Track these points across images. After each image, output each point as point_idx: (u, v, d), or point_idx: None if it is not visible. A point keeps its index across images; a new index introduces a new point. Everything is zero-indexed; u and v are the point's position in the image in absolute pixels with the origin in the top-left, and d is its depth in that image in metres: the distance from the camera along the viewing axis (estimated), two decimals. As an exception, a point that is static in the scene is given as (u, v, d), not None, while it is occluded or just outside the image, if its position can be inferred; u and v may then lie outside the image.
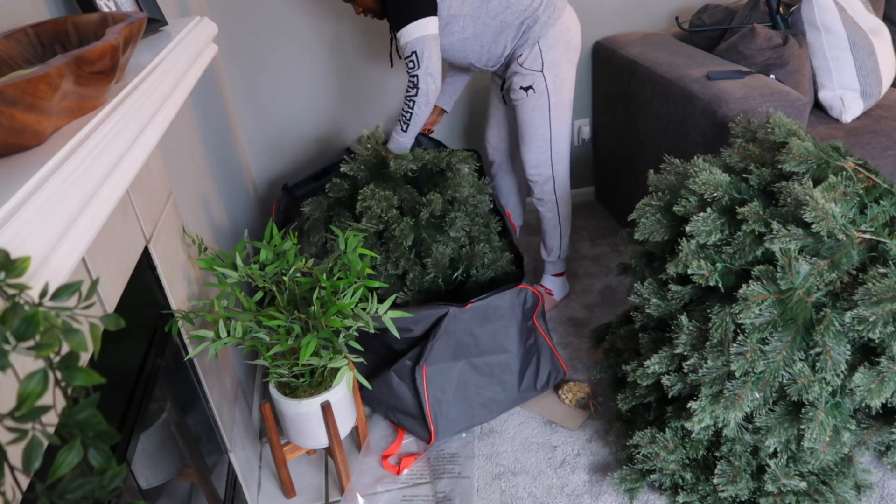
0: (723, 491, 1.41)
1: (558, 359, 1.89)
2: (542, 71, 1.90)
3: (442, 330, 1.65)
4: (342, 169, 1.91)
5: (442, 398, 1.71)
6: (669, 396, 1.47)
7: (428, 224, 1.78)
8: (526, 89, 1.92)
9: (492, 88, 2.17)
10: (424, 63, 1.75)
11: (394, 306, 1.63)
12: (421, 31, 1.72)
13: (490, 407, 1.77)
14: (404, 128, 1.86)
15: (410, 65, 1.76)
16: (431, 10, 1.73)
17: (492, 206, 1.95)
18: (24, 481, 0.57)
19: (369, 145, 1.92)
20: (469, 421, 1.76)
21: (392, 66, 2.11)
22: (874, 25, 2.21)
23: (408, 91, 1.80)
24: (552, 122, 1.96)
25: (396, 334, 1.54)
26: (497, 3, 1.82)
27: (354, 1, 1.83)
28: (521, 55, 1.89)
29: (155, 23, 1.21)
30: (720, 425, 1.39)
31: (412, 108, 1.81)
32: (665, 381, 1.44)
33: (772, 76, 2.01)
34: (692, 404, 1.36)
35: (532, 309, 1.79)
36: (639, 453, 1.52)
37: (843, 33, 2.11)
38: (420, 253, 1.79)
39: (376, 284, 1.51)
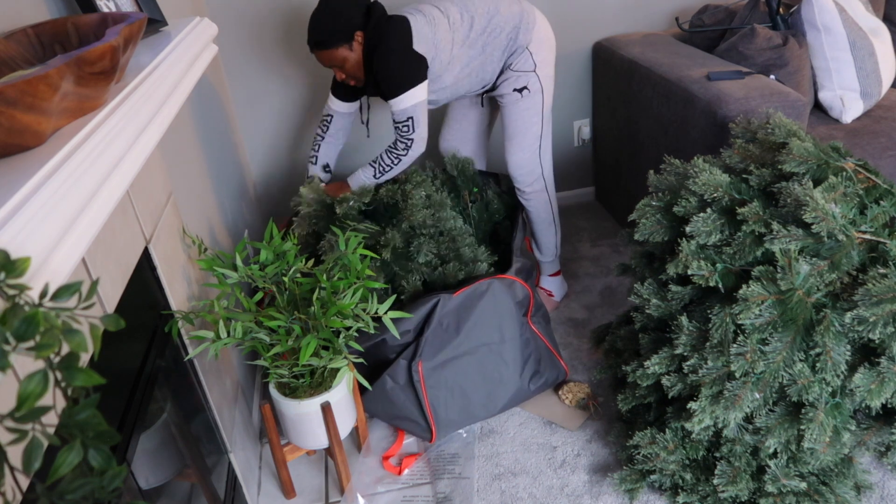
0: (723, 491, 1.41)
1: (559, 361, 1.88)
2: (535, 70, 1.91)
3: (435, 322, 1.65)
4: (295, 230, 1.84)
5: (440, 394, 1.70)
6: (669, 397, 1.47)
7: (395, 258, 1.74)
8: (520, 90, 1.93)
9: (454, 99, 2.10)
10: (419, 128, 1.79)
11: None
12: (416, 98, 1.76)
13: (489, 403, 1.77)
14: (378, 176, 1.85)
15: (406, 129, 1.79)
16: (423, 75, 1.77)
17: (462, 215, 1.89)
18: (24, 482, 0.57)
19: (311, 199, 1.84)
20: (469, 417, 1.75)
21: (369, 136, 2.13)
22: (874, 26, 2.21)
23: (396, 148, 1.81)
24: (544, 120, 1.99)
25: (396, 335, 1.54)
26: (481, 36, 1.83)
27: (340, 67, 1.78)
28: (511, 64, 1.91)
29: (155, 23, 1.21)
30: (720, 426, 1.39)
31: (395, 164, 1.83)
32: (665, 381, 1.44)
33: (772, 77, 2.01)
34: (692, 405, 1.36)
35: (524, 304, 1.79)
36: (639, 454, 1.52)
37: (843, 34, 2.11)
38: (395, 286, 1.76)
39: (376, 285, 1.51)
